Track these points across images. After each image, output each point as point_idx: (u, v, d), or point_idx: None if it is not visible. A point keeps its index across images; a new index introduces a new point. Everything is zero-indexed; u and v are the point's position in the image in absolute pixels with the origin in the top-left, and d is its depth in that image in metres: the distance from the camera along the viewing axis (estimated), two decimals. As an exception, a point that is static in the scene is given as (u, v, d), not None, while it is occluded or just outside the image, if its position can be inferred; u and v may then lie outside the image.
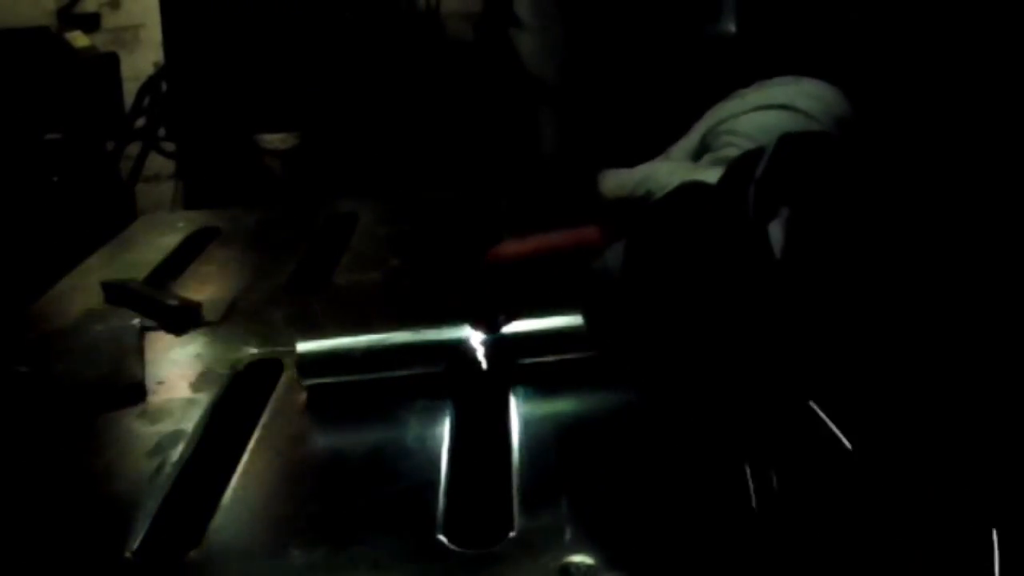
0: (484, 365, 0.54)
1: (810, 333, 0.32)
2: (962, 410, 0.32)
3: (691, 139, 0.43)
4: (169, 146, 1.99)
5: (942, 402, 0.32)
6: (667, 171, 0.42)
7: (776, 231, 0.32)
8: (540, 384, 0.54)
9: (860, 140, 0.40)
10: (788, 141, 0.35)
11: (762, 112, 0.40)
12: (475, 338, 0.54)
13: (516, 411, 0.52)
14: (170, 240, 0.84)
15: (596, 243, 0.41)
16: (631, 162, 0.44)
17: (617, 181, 0.43)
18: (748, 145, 0.39)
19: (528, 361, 0.55)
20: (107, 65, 1.92)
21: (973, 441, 0.32)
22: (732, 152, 0.38)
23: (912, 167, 0.34)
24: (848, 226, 0.32)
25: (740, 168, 0.35)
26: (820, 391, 0.34)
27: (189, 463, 0.49)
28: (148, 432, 0.52)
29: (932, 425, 0.32)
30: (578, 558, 0.39)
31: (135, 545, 0.42)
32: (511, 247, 0.46)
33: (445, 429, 0.50)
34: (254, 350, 0.61)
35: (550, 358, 0.55)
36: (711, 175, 0.37)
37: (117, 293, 0.71)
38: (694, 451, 0.46)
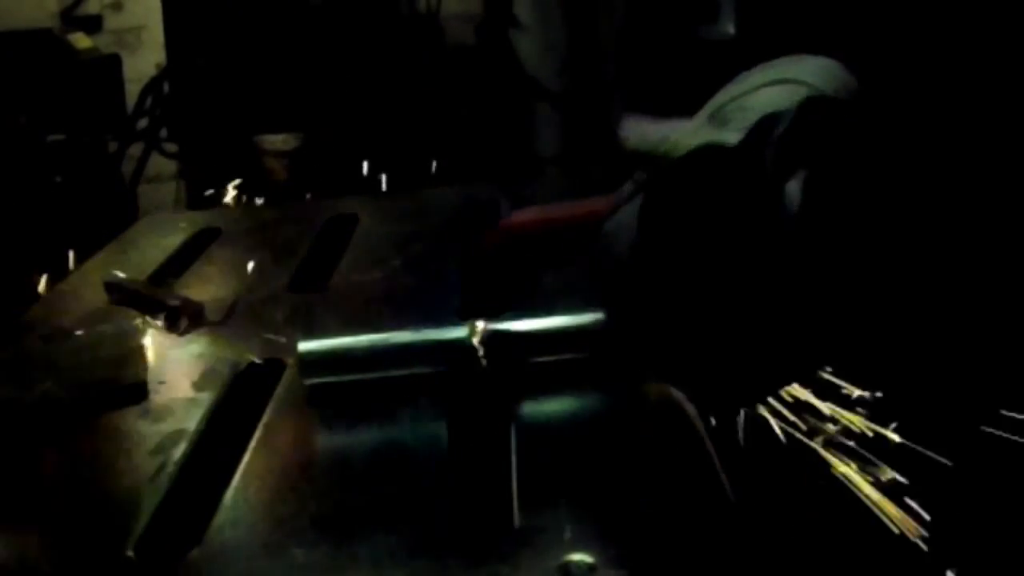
0: (485, 365, 0.54)
1: (824, 287, 0.33)
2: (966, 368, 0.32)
3: (700, 118, 0.43)
4: (171, 147, 1.99)
5: (949, 359, 0.32)
6: (686, 132, 0.42)
7: (794, 189, 0.33)
8: (540, 384, 0.54)
9: (873, 108, 0.40)
10: (809, 105, 0.35)
11: (771, 88, 0.41)
12: (476, 337, 0.54)
13: (516, 411, 0.52)
14: (172, 240, 0.84)
15: (605, 214, 0.41)
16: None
17: (640, 134, 0.44)
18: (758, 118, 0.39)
19: (528, 361, 0.55)
20: (109, 66, 1.92)
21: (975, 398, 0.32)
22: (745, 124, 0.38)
23: (920, 133, 0.34)
24: (863, 186, 0.33)
25: (759, 130, 0.36)
26: (828, 349, 0.35)
27: (191, 462, 0.49)
28: (150, 431, 0.52)
29: (939, 382, 0.33)
30: (578, 557, 0.39)
31: (137, 543, 0.43)
32: (522, 217, 0.46)
33: (445, 429, 0.50)
34: (255, 350, 0.61)
35: (550, 358, 0.55)
36: (731, 136, 0.37)
37: (120, 293, 0.71)
38: (693, 448, 0.46)
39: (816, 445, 0.40)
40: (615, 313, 0.40)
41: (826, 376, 0.38)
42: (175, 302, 0.67)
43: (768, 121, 0.36)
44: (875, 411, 0.39)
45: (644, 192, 0.38)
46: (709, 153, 0.37)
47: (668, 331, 0.37)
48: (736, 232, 0.34)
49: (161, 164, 2.10)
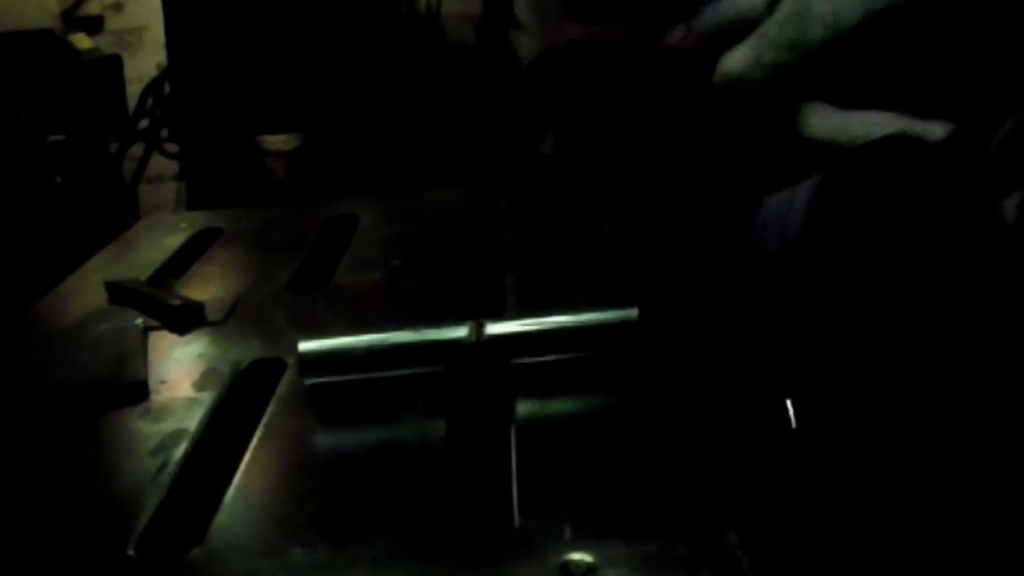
0: (485, 364, 0.54)
1: None
2: None
3: None
4: (172, 147, 2.00)
5: None
6: (869, 123, 0.39)
7: (1011, 208, 0.30)
8: (540, 384, 0.54)
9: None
10: None
11: None
12: (475, 337, 0.54)
13: (516, 409, 0.52)
14: (173, 241, 0.85)
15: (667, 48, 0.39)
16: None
17: (821, 122, 0.41)
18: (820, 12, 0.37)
19: (528, 361, 0.55)
20: (110, 67, 1.92)
21: None
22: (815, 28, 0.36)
23: None
24: None
25: (971, 133, 0.33)
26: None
27: (191, 461, 0.49)
28: (151, 431, 0.52)
29: None
30: (578, 556, 0.39)
31: (138, 542, 0.43)
32: (570, 32, 0.44)
33: (445, 428, 0.50)
34: (256, 350, 0.61)
35: (550, 358, 0.55)
36: (932, 129, 0.35)
37: (120, 293, 0.71)
38: (697, 446, 0.46)
39: None
40: (768, 302, 0.37)
41: None
42: (176, 302, 0.67)
43: (984, 120, 0.32)
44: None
45: (822, 176, 0.35)
46: (905, 146, 0.34)
47: (823, 330, 0.34)
48: (928, 240, 0.30)
49: (162, 164, 2.10)
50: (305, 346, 0.55)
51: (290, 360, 0.58)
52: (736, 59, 0.44)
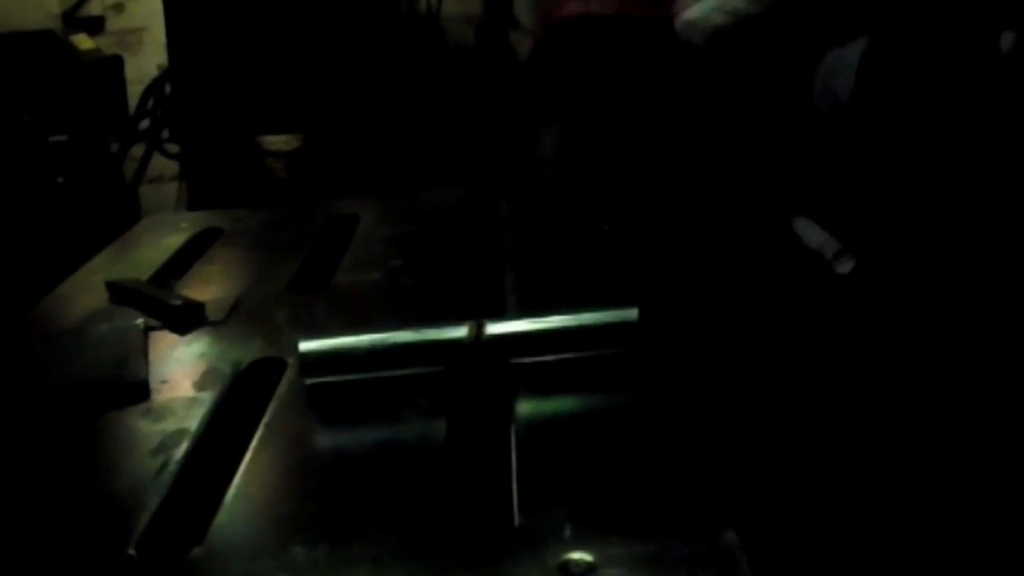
0: (484, 364, 0.54)
1: None
2: None
3: None
4: (173, 148, 2.00)
5: None
6: None
7: (1007, 39, 0.32)
8: (540, 384, 0.54)
9: None
10: None
11: None
12: (475, 336, 0.54)
13: (516, 409, 0.52)
14: (174, 241, 0.85)
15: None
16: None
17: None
18: None
19: (528, 361, 0.55)
20: (111, 67, 1.93)
21: None
22: None
23: None
24: None
25: None
26: None
27: (192, 461, 0.49)
28: (152, 430, 0.52)
29: None
30: (577, 555, 0.39)
31: (139, 541, 0.43)
32: (569, 9, 0.45)
33: (445, 428, 0.50)
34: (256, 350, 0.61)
35: (550, 358, 0.55)
36: None
37: (121, 293, 0.71)
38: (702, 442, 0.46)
39: None
40: (826, 156, 0.38)
41: None
42: (176, 302, 0.67)
43: None
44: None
45: (870, 37, 0.36)
46: (941, 8, 0.36)
47: (877, 179, 0.35)
48: (960, 95, 0.32)
49: (163, 165, 2.10)
50: (305, 346, 0.55)
51: (290, 360, 0.58)
52: (695, 9, 0.45)
